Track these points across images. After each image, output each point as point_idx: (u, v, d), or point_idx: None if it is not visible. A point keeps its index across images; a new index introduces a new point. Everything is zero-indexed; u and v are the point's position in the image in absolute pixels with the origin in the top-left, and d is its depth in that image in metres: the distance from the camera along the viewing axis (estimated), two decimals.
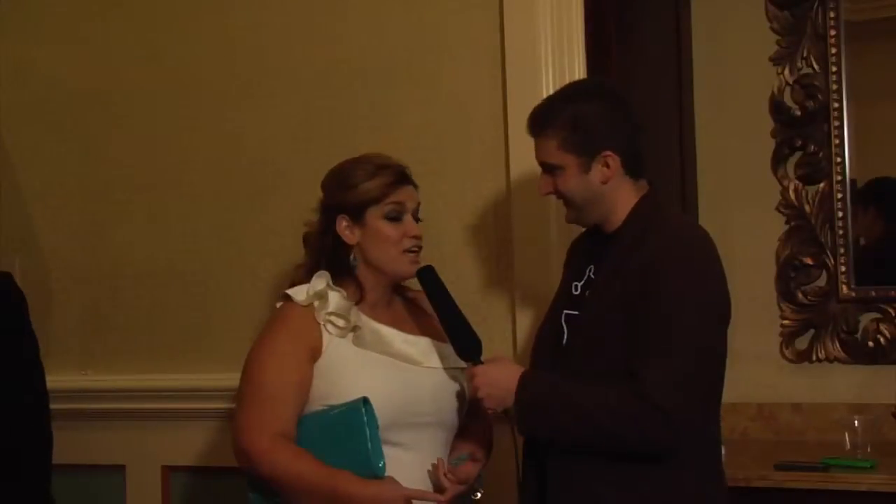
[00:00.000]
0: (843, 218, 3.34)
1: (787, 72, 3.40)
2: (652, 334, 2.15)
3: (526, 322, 2.86)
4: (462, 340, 2.35)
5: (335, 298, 2.37)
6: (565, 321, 2.33)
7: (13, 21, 3.53)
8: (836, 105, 3.34)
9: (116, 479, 3.34)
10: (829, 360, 3.36)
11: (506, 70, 2.91)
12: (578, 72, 2.87)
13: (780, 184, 3.42)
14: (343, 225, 2.43)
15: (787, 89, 3.40)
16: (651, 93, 3.23)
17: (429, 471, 2.36)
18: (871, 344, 3.31)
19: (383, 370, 2.36)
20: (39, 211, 3.48)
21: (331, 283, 2.39)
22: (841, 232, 3.34)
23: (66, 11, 3.47)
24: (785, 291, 3.41)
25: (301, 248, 2.53)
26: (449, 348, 2.39)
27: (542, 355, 2.38)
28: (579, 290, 2.35)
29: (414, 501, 2.28)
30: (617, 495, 2.21)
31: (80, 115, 3.43)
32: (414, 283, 2.50)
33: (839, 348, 3.35)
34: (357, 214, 2.41)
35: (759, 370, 3.36)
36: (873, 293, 3.32)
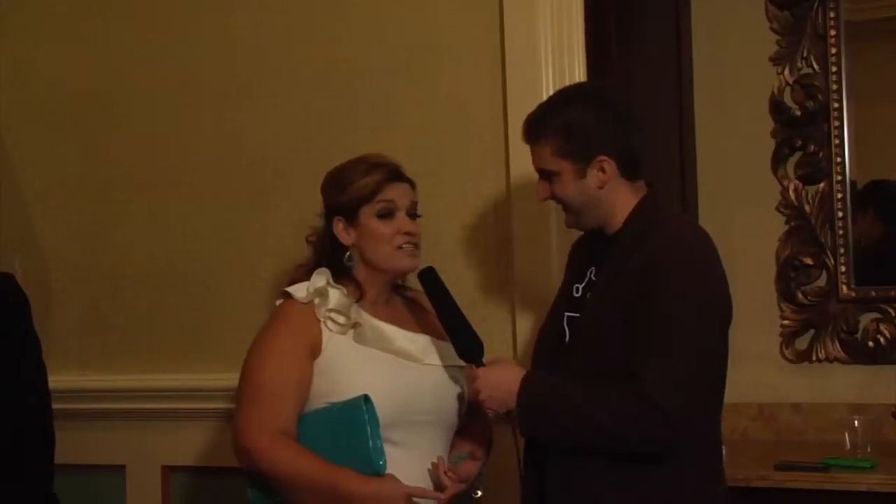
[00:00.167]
0: (843, 218, 3.34)
1: (787, 72, 3.40)
2: (652, 335, 2.15)
3: (526, 322, 2.86)
4: (463, 342, 2.35)
5: (335, 295, 2.37)
6: (567, 323, 2.33)
7: (13, 21, 3.53)
8: (836, 105, 3.34)
9: (116, 479, 3.34)
10: (829, 360, 3.36)
11: (506, 70, 2.91)
12: (578, 72, 2.86)
13: (780, 184, 3.42)
14: (340, 227, 2.44)
15: (787, 89, 3.40)
16: (651, 93, 3.23)
17: (429, 469, 2.36)
18: (871, 344, 3.31)
19: (384, 367, 2.36)
20: (39, 211, 3.48)
21: (331, 280, 2.40)
22: (841, 232, 3.34)
23: (66, 11, 3.47)
24: (785, 292, 3.41)
25: (301, 248, 2.53)
26: (449, 346, 2.39)
27: (543, 356, 2.39)
28: (580, 291, 2.35)
29: (414, 499, 2.28)
30: (617, 496, 2.21)
31: (80, 115, 3.43)
32: (414, 283, 2.50)
33: (839, 348, 3.35)
34: (351, 215, 2.42)
35: (760, 370, 3.36)
36: (873, 293, 3.32)
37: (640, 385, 2.12)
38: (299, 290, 2.39)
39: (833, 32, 3.34)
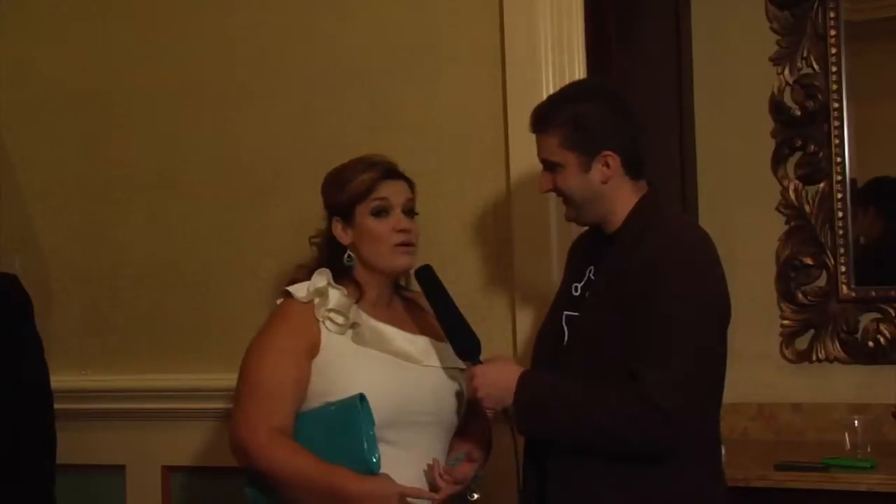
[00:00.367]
0: (843, 218, 3.34)
1: (787, 72, 3.40)
2: (652, 334, 2.15)
3: (526, 322, 2.86)
4: (461, 340, 2.35)
5: (335, 295, 2.38)
6: (566, 322, 2.33)
7: (13, 21, 3.53)
8: (836, 105, 3.34)
9: (116, 479, 3.34)
10: (829, 360, 3.35)
11: (506, 70, 2.91)
12: (578, 72, 2.87)
13: (780, 184, 3.42)
14: (339, 227, 2.44)
15: (787, 89, 3.40)
16: (651, 93, 3.23)
17: (425, 470, 2.36)
18: (871, 344, 3.31)
19: (382, 367, 2.36)
20: (39, 211, 3.48)
21: (331, 280, 2.40)
22: (841, 232, 3.34)
23: (66, 11, 3.47)
24: (785, 291, 3.41)
25: (300, 248, 2.53)
26: (449, 348, 2.39)
27: (543, 356, 2.39)
28: (579, 291, 2.36)
29: (409, 499, 2.28)
30: (617, 496, 2.21)
31: (80, 115, 3.43)
32: (413, 284, 2.50)
33: (839, 348, 3.34)
34: (348, 214, 2.43)
35: (759, 370, 3.36)
36: (873, 293, 3.32)
37: (639, 385, 2.12)
38: (300, 290, 2.39)
39: (833, 32, 3.34)
